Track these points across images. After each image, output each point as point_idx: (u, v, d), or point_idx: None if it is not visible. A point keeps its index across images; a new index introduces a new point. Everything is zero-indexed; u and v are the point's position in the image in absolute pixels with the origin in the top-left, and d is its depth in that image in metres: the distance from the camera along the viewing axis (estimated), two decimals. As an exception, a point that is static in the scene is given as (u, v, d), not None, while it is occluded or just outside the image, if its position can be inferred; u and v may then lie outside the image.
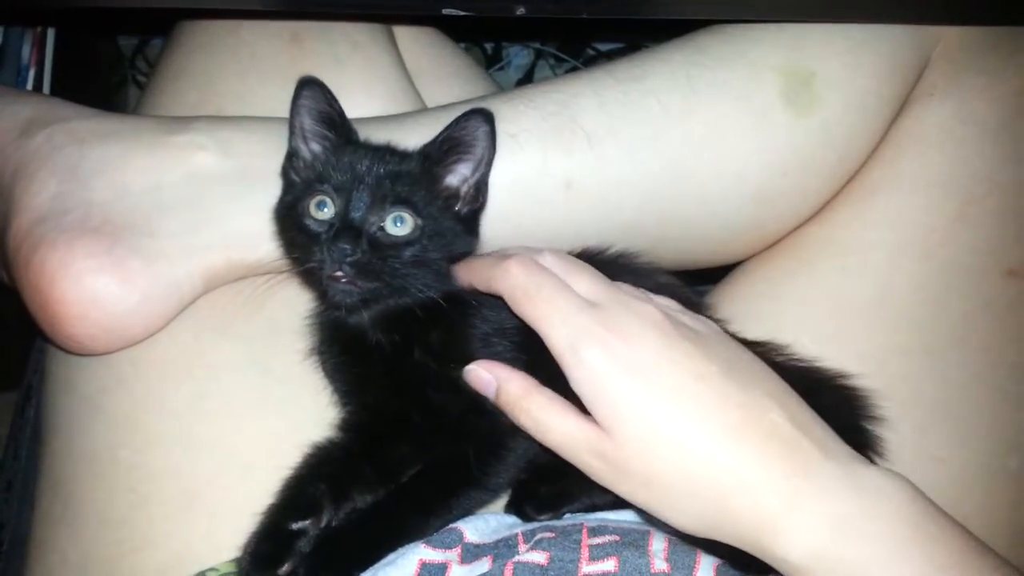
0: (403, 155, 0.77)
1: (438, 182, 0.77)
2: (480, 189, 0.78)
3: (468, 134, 0.75)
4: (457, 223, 0.77)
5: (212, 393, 0.78)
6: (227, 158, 0.81)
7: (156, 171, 0.80)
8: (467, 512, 0.74)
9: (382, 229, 0.73)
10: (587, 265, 0.72)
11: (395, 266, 0.72)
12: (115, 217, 0.78)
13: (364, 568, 0.68)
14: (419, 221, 0.73)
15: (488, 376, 0.70)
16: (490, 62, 1.87)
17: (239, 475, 0.76)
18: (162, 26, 1.03)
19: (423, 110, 0.92)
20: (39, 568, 0.79)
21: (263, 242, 0.79)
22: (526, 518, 0.74)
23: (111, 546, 0.75)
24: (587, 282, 0.69)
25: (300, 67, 0.82)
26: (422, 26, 1.10)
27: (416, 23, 1.09)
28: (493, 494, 0.76)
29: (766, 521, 0.61)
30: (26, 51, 1.26)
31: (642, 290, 0.73)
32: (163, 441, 0.77)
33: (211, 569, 0.72)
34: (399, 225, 0.73)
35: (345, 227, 0.71)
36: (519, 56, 1.91)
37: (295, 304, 0.81)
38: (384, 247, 0.72)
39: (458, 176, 0.77)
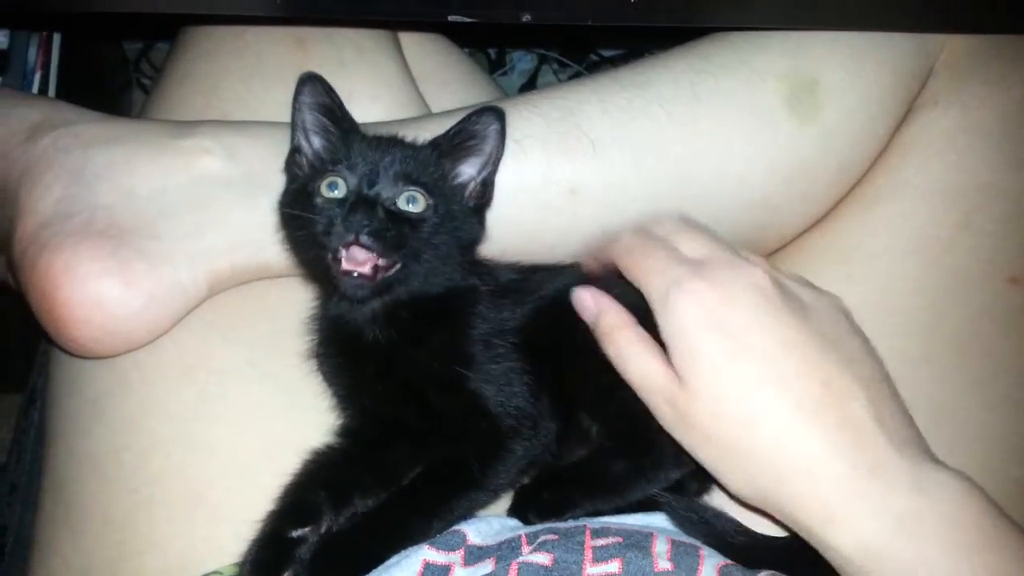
0: (413, 144, 0.78)
1: (446, 175, 0.77)
2: (487, 187, 0.79)
3: (480, 130, 0.76)
4: (465, 211, 0.77)
5: (215, 396, 0.78)
6: (232, 162, 0.81)
7: (161, 175, 0.80)
8: (468, 513, 0.74)
9: (395, 205, 0.73)
10: (705, 226, 0.72)
11: (413, 238, 0.72)
12: (120, 221, 0.78)
13: (366, 572, 0.68)
14: (431, 201, 0.74)
15: (591, 302, 0.71)
16: (494, 67, 1.87)
17: (242, 478, 0.76)
18: (167, 31, 1.04)
19: (427, 115, 0.92)
20: (42, 571, 0.79)
21: (268, 246, 0.79)
22: (528, 523, 0.75)
23: (113, 549, 0.75)
24: (697, 240, 0.69)
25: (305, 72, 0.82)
26: (427, 32, 1.11)
27: (421, 29, 1.09)
28: (494, 495, 0.76)
29: (823, 507, 0.61)
30: (32, 55, 1.27)
31: (762, 258, 0.72)
32: (166, 444, 0.77)
33: (215, 572, 0.72)
34: (412, 204, 0.73)
35: (360, 201, 0.71)
36: (523, 61, 1.91)
37: (299, 308, 0.81)
38: (400, 220, 0.72)
39: (465, 173, 0.78)
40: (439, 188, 0.75)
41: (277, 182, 0.80)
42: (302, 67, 0.82)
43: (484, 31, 1.75)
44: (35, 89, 1.25)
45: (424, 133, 0.81)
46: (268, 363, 0.81)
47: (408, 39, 1.03)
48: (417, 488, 0.74)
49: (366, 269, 0.70)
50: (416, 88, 0.97)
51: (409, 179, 0.73)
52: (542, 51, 1.89)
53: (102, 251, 0.76)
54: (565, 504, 0.75)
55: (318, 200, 0.73)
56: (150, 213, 0.79)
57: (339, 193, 0.73)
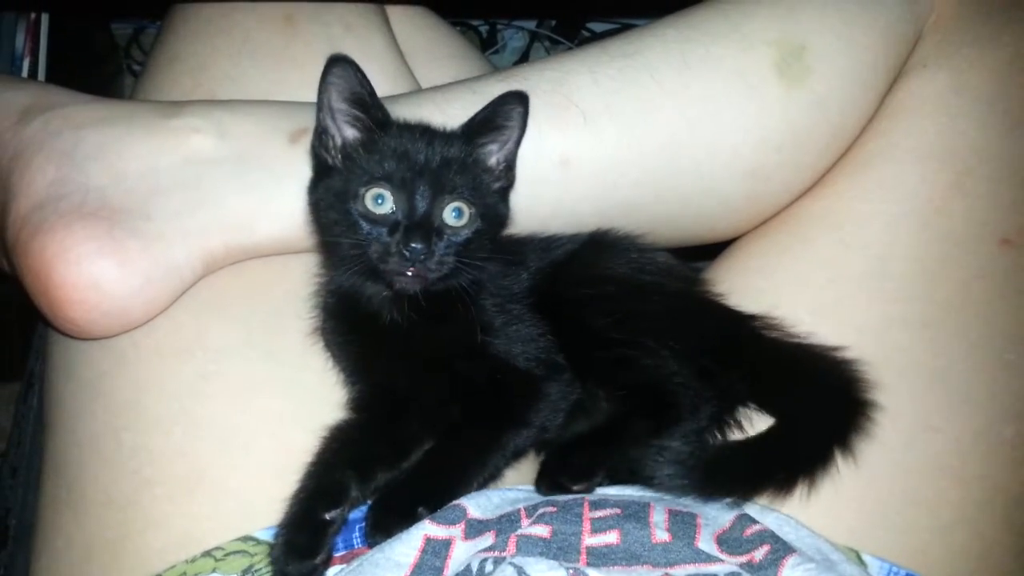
0: (446, 138, 0.77)
1: (479, 163, 0.78)
2: (510, 167, 0.80)
3: (504, 115, 0.77)
4: (497, 199, 0.79)
5: (213, 374, 0.79)
6: (223, 141, 0.81)
7: (152, 155, 0.80)
8: (519, 452, 0.77)
9: (443, 221, 0.74)
10: None
11: (457, 255, 0.73)
12: (112, 201, 0.78)
13: (431, 510, 0.69)
14: (473, 209, 0.75)
15: None
16: (486, 45, 1.86)
17: (241, 455, 0.76)
18: (157, 11, 1.03)
19: (419, 91, 0.92)
20: (45, 552, 0.80)
21: (261, 224, 0.80)
22: (565, 491, 0.74)
23: (116, 528, 0.75)
24: None
25: (293, 49, 0.82)
26: (415, 6, 1.10)
27: (409, 2, 1.08)
28: (540, 431, 0.77)
29: None
30: (20, 41, 1.26)
31: None
32: (165, 423, 0.77)
33: (217, 548, 0.73)
34: (457, 217, 0.74)
35: (415, 225, 0.72)
36: (514, 39, 1.91)
37: (295, 285, 0.81)
38: (447, 237, 0.73)
39: (492, 157, 0.79)
40: (476, 187, 0.76)
41: (267, 160, 0.80)
42: (291, 44, 0.82)
43: (474, 5, 1.74)
44: (24, 75, 1.25)
45: (417, 111, 0.81)
46: (266, 340, 0.81)
47: (397, 15, 1.03)
48: (464, 432, 0.76)
49: (418, 287, 0.73)
50: (405, 64, 0.96)
51: (454, 190, 0.74)
52: (534, 28, 1.88)
53: (96, 231, 0.76)
54: (596, 463, 0.76)
55: (361, 209, 0.73)
56: (142, 193, 0.79)
57: (386, 207, 0.73)
